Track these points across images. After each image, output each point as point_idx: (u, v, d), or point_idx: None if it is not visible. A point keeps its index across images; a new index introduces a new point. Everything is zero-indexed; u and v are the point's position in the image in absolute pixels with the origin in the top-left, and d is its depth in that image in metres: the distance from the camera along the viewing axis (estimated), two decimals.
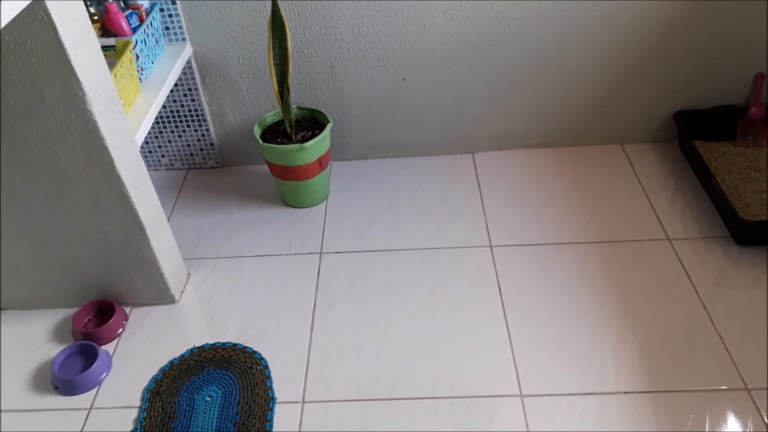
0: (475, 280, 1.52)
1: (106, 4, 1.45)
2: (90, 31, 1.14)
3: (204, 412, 1.26)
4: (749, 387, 1.25)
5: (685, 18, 1.66)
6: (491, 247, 1.61)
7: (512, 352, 1.35)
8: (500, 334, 1.39)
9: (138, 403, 1.30)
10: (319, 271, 1.59)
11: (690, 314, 1.40)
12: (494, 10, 1.65)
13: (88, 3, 1.46)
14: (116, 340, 1.44)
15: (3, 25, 0.86)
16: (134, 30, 1.50)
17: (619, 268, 1.53)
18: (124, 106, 1.41)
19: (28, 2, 0.93)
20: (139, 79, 1.52)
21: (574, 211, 1.70)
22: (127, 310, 1.51)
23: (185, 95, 1.81)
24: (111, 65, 1.36)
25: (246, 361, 1.36)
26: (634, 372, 1.29)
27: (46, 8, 1.02)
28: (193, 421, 1.25)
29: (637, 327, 1.38)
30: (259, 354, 1.37)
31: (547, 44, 1.71)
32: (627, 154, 1.89)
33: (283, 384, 1.32)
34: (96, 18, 1.47)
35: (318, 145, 1.66)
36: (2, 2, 0.86)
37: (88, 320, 1.48)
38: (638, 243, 1.59)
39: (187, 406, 1.28)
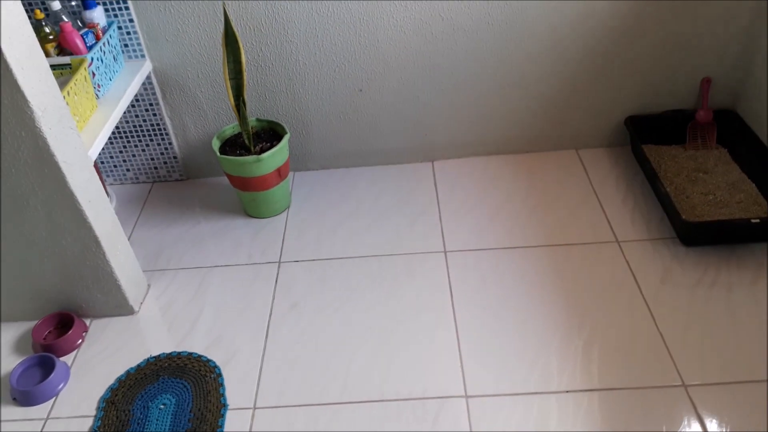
0: (428, 285, 1.56)
1: (61, 23, 1.48)
2: (37, 51, 1.18)
3: (157, 420, 1.29)
4: (686, 384, 1.29)
5: (633, 25, 1.72)
6: (445, 252, 1.66)
7: (460, 355, 1.39)
8: (449, 336, 1.43)
9: (93, 412, 1.33)
10: (277, 280, 1.62)
11: (633, 314, 1.44)
12: (444, 22, 1.69)
13: (44, 23, 1.50)
14: (75, 351, 1.47)
15: None
16: (90, 48, 1.53)
17: (567, 270, 1.57)
18: (79, 122, 1.44)
19: None
20: (96, 95, 1.55)
21: (528, 216, 1.75)
22: (88, 321, 1.54)
23: (147, 110, 1.85)
24: (66, 83, 1.40)
25: (200, 370, 1.39)
26: (577, 371, 1.33)
27: None
28: (146, 429, 1.28)
29: (582, 328, 1.42)
30: (214, 362, 1.41)
31: (497, 54, 1.76)
32: (581, 160, 1.94)
33: (235, 391, 1.35)
34: (51, 37, 1.50)
35: (275, 156, 1.69)
36: None
37: (49, 332, 1.50)
38: (587, 246, 1.64)
39: (141, 414, 1.31)
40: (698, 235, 1.59)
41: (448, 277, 1.58)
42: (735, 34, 1.74)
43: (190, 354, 1.43)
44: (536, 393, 1.30)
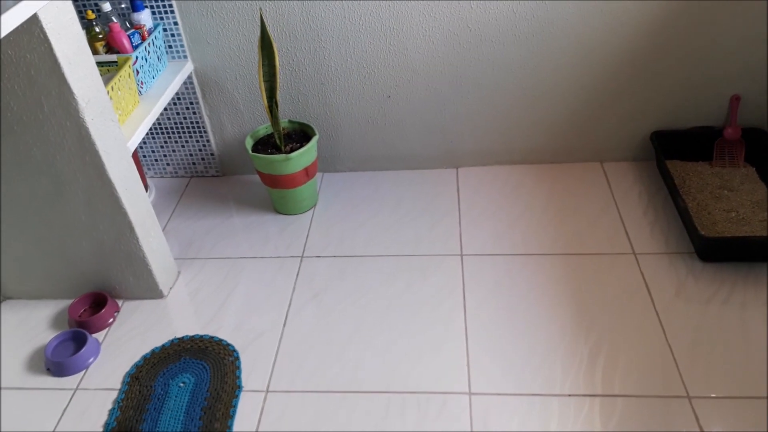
0: (442, 285, 1.61)
1: (110, 24, 1.60)
2: (84, 48, 1.29)
3: (176, 397, 1.37)
4: (691, 396, 1.30)
5: (662, 39, 1.73)
6: (462, 255, 1.70)
7: (467, 353, 1.42)
8: (458, 335, 1.47)
9: (119, 386, 1.42)
10: (298, 273, 1.69)
11: (643, 324, 1.45)
12: (471, 33, 1.75)
13: (94, 23, 1.62)
14: (107, 329, 1.57)
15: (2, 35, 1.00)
16: (135, 47, 1.64)
17: (581, 279, 1.59)
18: (121, 116, 1.55)
19: (24, 19, 1.07)
20: (139, 92, 1.66)
21: (546, 224, 1.77)
22: (120, 302, 1.65)
23: (187, 108, 1.96)
24: (111, 79, 1.51)
25: (220, 352, 1.47)
26: (581, 376, 1.35)
27: (42, 27, 1.17)
28: (165, 404, 1.36)
29: (590, 334, 1.44)
30: (233, 346, 1.48)
31: (524, 65, 1.80)
32: (605, 172, 1.96)
33: (250, 374, 1.42)
34: (101, 36, 1.62)
35: (303, 156, 1.77)
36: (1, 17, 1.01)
37: (84, 311, 1.61)
38: (603, 256, 1.65)
39: (161, 390, 1.39)
40: (715, 250, 1.59)
41: (463, 279, 1.62)
42: (766, 52, 1.73)
43: (212, 337, 1.51)
44: (539, 395, 1.33)
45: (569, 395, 1.32)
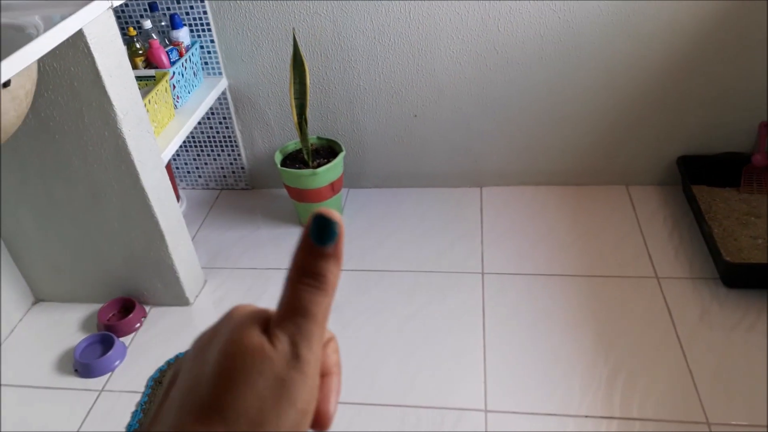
0: (462, 302, 1.62)
1: (150, 41, 1.67)
2: (125, 63, 1.35)
3: None
4: (710, 422, 1.28)
5: (690, 64, 1.74)
6: (483, 274, 1.71)
7: (484, 371, 1.43)
8: (476, 353, 1.48)
9: (142, 389, 1.46)
10: None
11: (664, 349, 1.44)
12: (498, 55, 1.78)
13: (135, 39, 1.69)
14: (134, 333, 1.62)
15: (47, 51, 1.07)
16: (173, 63, 1.71)
17: (602, 301, 1.59)
18: (157, 128, 1.61)
19: (70, 34, 1.14)
20: (175, 105, 1.73)
21: (569, 246, 1.78)
22: (148, 308, 1.70)
23: (220, 123, 2.02)
24: (148, 92, 1.58)
25: None
26: (599, 398, 1.35)
27: (86, 42, 1.23)
28: None
29: (609, 356, 1.44)
30: None
31: (550, 88, 1.82)
32: (630, 196, 1.95)
33: None
34: (141, 52, 1.70)
35: (330, 171, 1.81)
36: (49, 32, 1.08)
37: (113, 315, 1.66)
38: (626, 279, 1.65)
39: None
40: (740, 276, 1.58)
41: (483, 297, 1.63)
42: None
43: None
44: (555, 414, 1.32)
45: (586, 416, 1.31)
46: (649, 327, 1.50)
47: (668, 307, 1.55)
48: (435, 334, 1.54)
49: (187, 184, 2.21)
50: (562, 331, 1.51)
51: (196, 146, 2.09)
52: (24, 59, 1.03)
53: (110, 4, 1.27)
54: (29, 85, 1.12)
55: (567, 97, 1.84)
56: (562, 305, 1.59)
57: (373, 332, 1.56)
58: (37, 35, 1.08)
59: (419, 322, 1.58)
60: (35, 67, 1.18)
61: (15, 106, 1.08)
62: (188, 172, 2.18)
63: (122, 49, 1.35)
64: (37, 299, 1.76)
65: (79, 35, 1.22)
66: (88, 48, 1.24)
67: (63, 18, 1.14)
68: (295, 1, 1.74)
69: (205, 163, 2.14)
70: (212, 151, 2.10)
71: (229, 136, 2.06)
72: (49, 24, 1.12)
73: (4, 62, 0.99)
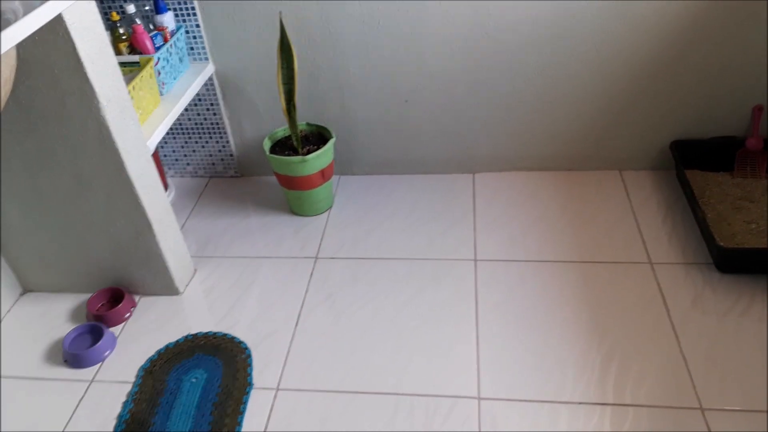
0: (455, 290, 1.61)
1: (134, 26, 1.64)
2: (107, 48, 1.32)
3: (188, 392, 1.39)
4: (704, 407, 1.28)
5: (683, 47, 1.72)
6: (475, 260, 1.70)
7: (478, 358, 1.42)
8: (470, 340, 1.47)
9: (133, 379, 1.45)
10: (312, 274, 1.71)
11: (658, 335, 1.44)
12: (489, 40, 1.75)
13: (119, 24, 1.66)
14: (123, 323, 1.60)
15: (24, 36, 1.04)
16: (158, 49, 1.68)
17: (595, 287, 1.58)
18: (142, 115, 1.58)
19: (49, 19, 1.11)
20: (160, 92, 1.70)
21: (562, 231, 1.76)
22: (137, 298, 1.68)
23: (207, 109, 1.99)
24: (132, 78, 1.55)
25: (232, 350, 1.49)
26: (592, 384, 1.34)
27: (66, 27, 1.20)
28: (178, 399, 1.38)
29: (603, 343, 1.43)
30: (245, 344, 1.50)
31: (542, 72, 1.80)
32: (624, 181, 1.94)
33: (262, 372, 1.44)
34: (125, 37, 1.66)
35: (320, 158, 1.79)
36: (27, 17, 1.05)
37: (102, 305, 1.64)
38: (618, 264, 1.64)
39: (174, 385, 1.41)
40: (734, 261, 1.57)
41: (476, 283, 1.62)
42: None
43: (225, 334, 1.53)
44: (548, 401, 1.32)
45: (579, 403, 1.31)
46: (642, 312, 1.50)
47: (662, 293, 1.54)
48: (428, 322, 1.53)
49: (176, 172, 2.18)
50: (554, 318, 1.51)
51: (183, 134, 2.06)
52: (2, 44, 1.00)
53: None
54: (7, 72, 1.09)
55: (559, 81, 1.81)
56: (555, 291, 1.58)
57: (366, 321, 1.55)
58: (15, 20, 1.05)
59: (412, 309, 1.57)
60: (14, 53, 1.14)
61: None
62: (176, 160, 2.15)
63: (104, 35, 1.31)
64: (26, 290, 1.73)
65: (59, 20, 1.19)
66: (68, 34, 1.21)
67: (42, 2, 1.10)
68: None
69: (193, 151, 2.11)
70: (200, 138, 2.07)
71: (217, 123, 2.02)
72: (29, 9, 1.08)
73: None
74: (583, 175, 1.98)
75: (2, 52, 1.00)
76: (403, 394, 1.36)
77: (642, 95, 1.82)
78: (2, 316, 1.66)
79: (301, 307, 1.61)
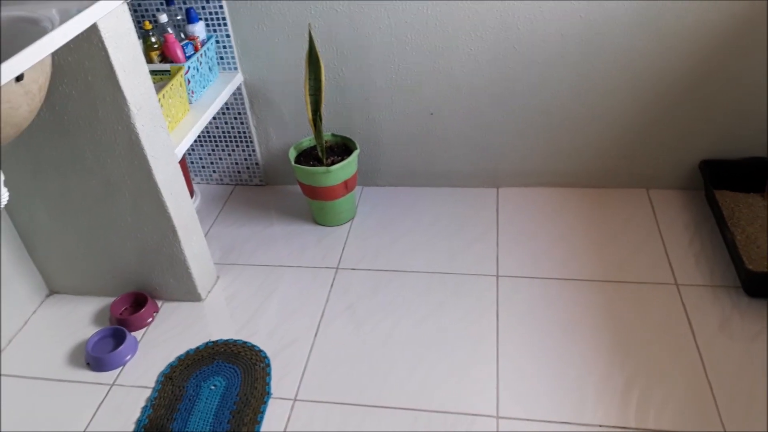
0: (476, 306, 1.60)
1: (165, 35, 1.66)
2: (139, 57, 1.34)
3: (207, 399, 1.40)
4: None
5: (713, 66, 1.69)
6: (497, 276, 1.68)
7: (497, 376, 1.41)
8: (489, 357, 1.45)
9: (153, 384, 1.46)
10: (332, 284, 1.71)
11: (682, 358, 1.41)
12: (518, 54, 1.74)
13: (151, 33, 1.69)
14: (145, 328, 1.62)
15: (60, 45, 1.06)
16: (188, 58, 1.70)
17: (619, 307, 1.55)
18: (171, 123, 1.61)
19: (84, 28, 1.13)
20: (189, 100, 1.72)
21: (586, 249, 1.74)
22: (160, 303, 1.69)
23: (235, 118, 2.01)
24: (163, 87, 1.57)
25: (252, 358, 1.49)
26: (613, 407, 1.32)
27: (101, 36, 1.22)
28: (196, 405, 1.39)
29: (626, 365, 1.40)
30: (265, 353, 1.50)
31: (570, 88, 1.79)
32: (651, 199, 1.91)
33: (280, 382, 1.44)
34: (156, 46, 1.69)
35: (343, 169, 1.80)
36: (63, 26, 1.07)
37: (125, 309, 1.66)
38: (644, 285, 1.61)
39: (193, 391, 1.42)
40: (763, 285, 1.53)
41: (497, 300, 1.61)
42: None
43: (245, 342, 1.53)
44: (568, 423, 1.30)
45: (600, 426, 1.29)
46: (667, 335, 1.47)
47: (687, 315, 1.51)
48: (448, 337, 1.52)
49: (202, 179, 2.21)
50: (577, 337, 1.48)
51: (211, 141, 2.09)
52: (38, 53, 1.03)
53: None
54: (42, 79, 1.12)
55: (587, 97, 1.80)
56: (578, 310, 1.56)
57: (386, 333, 1.54)
58: (52, 29, 1.08)
59: (432, 324, 1.56)
60: (49, 61, 1.17)
61: (28, 101, 1.08)
62: (203, 167, 2.17)
63: (137, 44, 1.34)
64: (51, 291, 1.76)
65: (94, 29, 1.22)
66: (102, 42, 1.23)
67: (78, 11, 1.13)
68: None
69: (220, 159, 2.13)
70: (227, 146, 2.09)
71: (244, 132, 2.04)
72: (65, 17, 1.11)
73: (18, 56, 0.98)
74: (610, 193, 1.96)
75: (39, 60, 1.02)
76: (421, 410, 1.35)
77: (671, 113, 1.80)
78: (29, 318, 1.69)
79: (321, 317, 1.61)
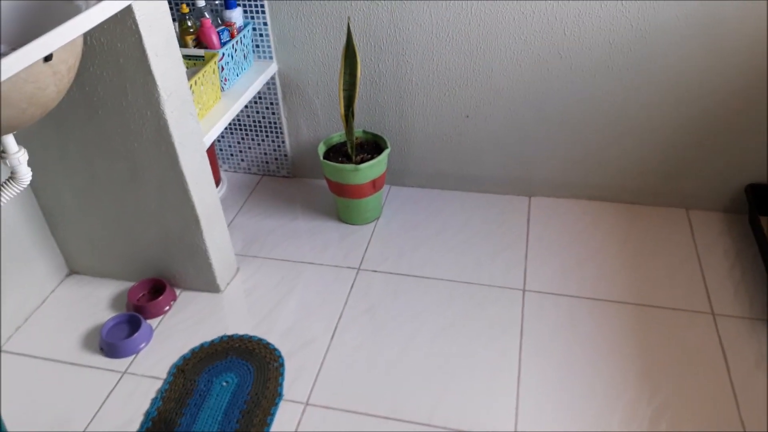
0: (499, 320, 1.54)
1: (202, 19, 1.63)
2: (173, 42, 1.31)
3: (217, 395, 1.37)
4: None
5: (765, 89, 1.61)
6: (524, 291, 1.62)
7: (517, 396, 1.35)
8: (510, 376, 1.40)
9: (164, 375, 1.44)
10: (353, 285, 1.67)
11: (715, 394, 1.34)
12: (562, 61, 1.67)
13: (187, 17, 1.65)
14: (162, 316, 1.60)
15: (93, 26, 1.03)
16: (223, 44, 1.67)
17: (650, 334, 1.48)
18: (202, 110, 1.57)
19: (119, 9, 1.10)
20: (222, 88, 1.69)
21: (618, 269, 1.67)
22: (178, 292, 1.67)
23: (267, 108, 1.98)
24: (195, 73, 1.54)
25: (266, 356, 1.46)
26: None
27: (135, 18, 1.19)
28: (206, 401, 1.36)
29: (655, 396, 1.34)
30: (279, 352, 1.47)
31: (613, 99, 1.71)
32: (690, 221, 1.83)
33: (293, 384, 1.40)
34: (192, 30, 1.66)
35: (372, 168, 1.75)
36: (96, 6, 1.04)
37: (142, 295, 1.64)
38: (677, 312, 1.54)
39: (204, 386, 1.39)
40: None
41: (522, 316, 1.55)
42: None
43: (260, 340, 1.50)
44: None
45: None
46: (700, 367, 1.39)
47: (723, 348, 1.44)
48: (468, 351, 1.46)
49: (229, 167, 2.18)
50: (604, 362, 1.42)
51: (240, 130, 2.06)
52: (68, 33, 1.00)
53: None
54: (72, 59, 1.09)
55: (632, 109, 1.72)
56: (607, 333, 1.49)
57: (404, 341, 1.50)
58: (86, 8, 1.04)
59: (453, 335, 1.51)
60: (80, 41, 1.14)
61: (56, 81, 1.05)
62: (231, 155, 2.14)
63: (171, 28, 1.30)
64: (72, 271, 1.75)
65: (128, 11, 1.18)
66: (136, 25, 1.20)
67: None
68: None
69: (249, 148, 2.10)
70: (257, 135, 2.06)
71: (275, 122, 2.01)
72: None
73: (48, 35, 0.95)
74: (647, 210, 1.88)
75: (69, 40, 0.99)
76: (436, 427, 1.30)
77: (720, 132, 1.71)
78: (47, 296, 1.68)
79: (339, 319, 1.57)
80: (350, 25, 1.66)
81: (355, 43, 1.65)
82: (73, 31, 1.00)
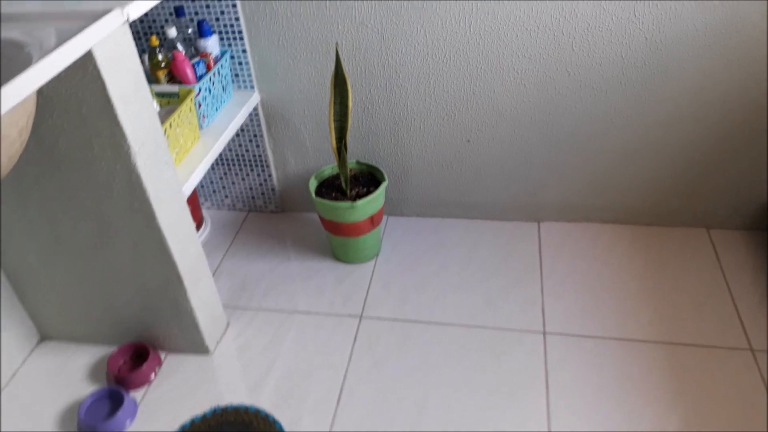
0: (521, 371, 1.40)
1: (174, 52, 1.47)
2: (141, 85, 1.15)
3: None
4: None
5: None
6: (544, 333, 1.48)
7: None
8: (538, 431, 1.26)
9: None
10: (356, 337, 1.52)
11: None
12: (570, 78, 1.54)
13: (158, 50, 1.49)
14: (147, 385, 1.43)
15: (48, 79, 0.87)
16: (200, 78, 1.51)
17: (685, 376, 1.35)
18: (179, 153, 1.42)
19: (77, 57, 0.94)
20: (200, 126, 1.53)
21: (643, 302, 1.54)
22: (163, 355, 1.51)
23: (250, 141, 1.82)
24: (170, 113, 1.38)
25: (265, 430, 1.30)
26: None
27: (96, 63, 1.03)
28: None
29: None
30: (280, 424, 1.31)
31: (626, 115, 1.58)
32: (712, 241, 1.70)
33: None
34: (164, 65, 1.50)
35: (370, 204, 1.60)
36: (50, 56, 0.88)
37: (124, 362, 1.48)
38: (713, 350, 1.41)
39: None
40: None
41: (546, 364, 1.41)
42: None
43: (258, 411, 1.34)
44: None
45: None
46: (744, 415, 1.26)
47: (767, 390, 1.31)
48: (489, 407, 1.32)
49: (212, 204, 2.02)
50: (640, 411, 1.29)
51: (223, 164, 1.90)
52: (20, 91, 0.84)
53: (125, 19, 1.07)
54: (24, 119, 0.93)
55: (646, 126, 1.59)
56: (638, 379, 1.36)
57: (418, 400, 1.35)
58: (38, 56, 0.89)
59: (471, 390, 1.36)
60: (33, 97, 0.98)
61: (6, 148, 0.89)
62: (214, 191, 1.98)
63: (139, 69, 1.14)
64: (43, 337, 1.58)
65: (88, 56, 1.02)
66: (98, 70, 1.04)
67: (70, 35, 0.94)
68: (340, 10, 1.52)
69: (233, 183, 1.94)
70: (241, 170, 1.90)
71: (260, 155, 1.85)
72: (57, 40, 0.92)
73: None
74: (665, 232, 1.75)
75: (20, 100, 0.83)
76: None
77: (741, 146, 1.59)
78: (18, 368, 1.50)
79: (344, 378, 1.42)
80: (338, 50, 1.51)
81: (345, 70, 1.50)
82: (24, 90, 0.84)
